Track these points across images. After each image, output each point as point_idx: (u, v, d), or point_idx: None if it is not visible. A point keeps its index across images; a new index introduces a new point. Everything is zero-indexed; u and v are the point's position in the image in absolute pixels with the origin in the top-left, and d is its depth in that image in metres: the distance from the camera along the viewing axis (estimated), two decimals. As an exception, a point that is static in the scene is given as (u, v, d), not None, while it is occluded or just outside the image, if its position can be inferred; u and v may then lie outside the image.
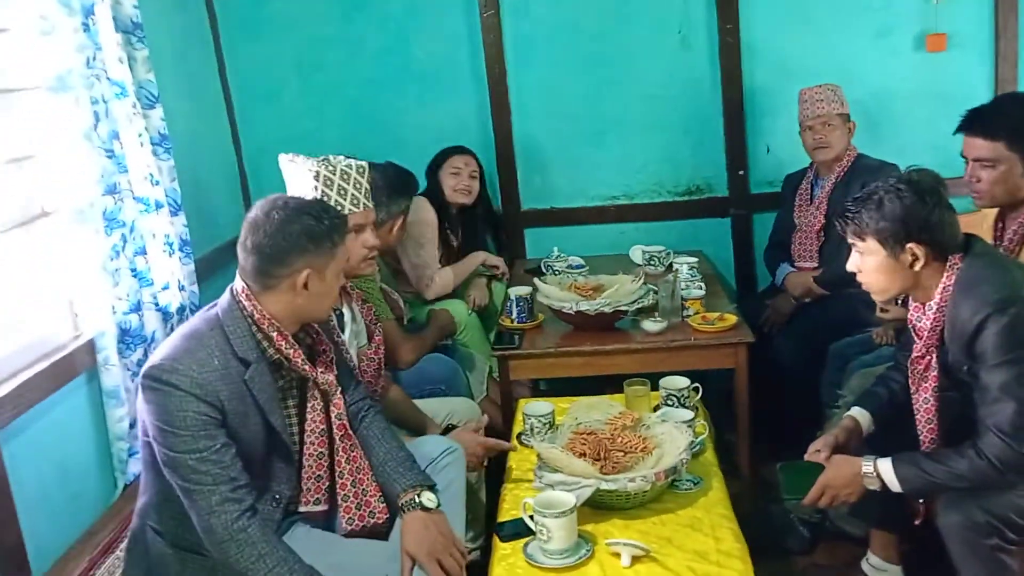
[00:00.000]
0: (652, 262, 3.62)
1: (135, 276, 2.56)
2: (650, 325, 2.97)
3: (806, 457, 2.33)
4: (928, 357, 2.20)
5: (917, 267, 2.12)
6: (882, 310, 2.83)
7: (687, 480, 2.32)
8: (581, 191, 4.07)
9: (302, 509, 2.07)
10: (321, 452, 2.06)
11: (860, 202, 2.16)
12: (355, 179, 2.32)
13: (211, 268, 3.22)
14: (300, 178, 2.32)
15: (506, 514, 2.28)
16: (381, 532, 2.11)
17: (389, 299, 2.87)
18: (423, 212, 3.44)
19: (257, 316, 1.95)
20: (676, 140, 3.99)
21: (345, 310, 2.48)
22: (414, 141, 3.75)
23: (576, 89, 3.95)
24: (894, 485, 2.13)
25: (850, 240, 2.21)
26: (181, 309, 2.74)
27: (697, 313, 3.06)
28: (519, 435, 2.64)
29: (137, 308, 2.54)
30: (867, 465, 2.16)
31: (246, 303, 1.96)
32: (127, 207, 2.56)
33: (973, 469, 2.04)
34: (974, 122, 2.51)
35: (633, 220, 4.06)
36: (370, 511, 2.09)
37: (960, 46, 3.77)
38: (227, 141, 3.91)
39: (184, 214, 2.82)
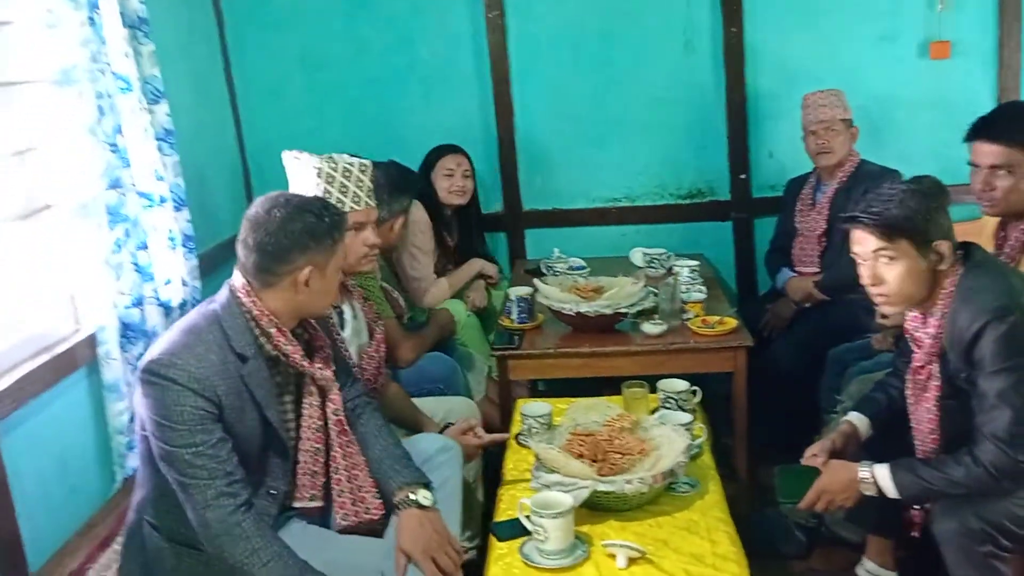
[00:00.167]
0: (653, 265, 3.62)
1: (137, 271, 2.56)
2: (650, 327, 2.97)
3: (803, 461, 2.34)
4: (930, 366, 2.19)
5: (944, 266, 2.10)
6: (882, 316, 2.83)
7: (684, 483, 2.32)
8: (583, 192, 4.08)
9: (297, 505, 2.07)
10: (317, 448, 2.07)
11: (881, 202, 2.10)
12: (357, 177, 2.33)
13: (213, 264, 3.23)
14: (303, 175, 2.32)
15: (503, 514, 2.28)
16: (376, 529, 2.11)
17: (390, 297, 2.87)
18: (417, 218, 3.42)
19: (256, 312, 1.96)
20: (678, 143, 4.00)
21: (346, 307, 2.49)
22: (417, 140, 3.74)
23: (579, 90, 3.96)
24: (890, 491, 2.14)
25: (874, 246, 2.11)
26: (183, 304, 2.74)
27: (697, 316, 3.06)
28: (517, 435, 2.65)
29: (139, 303, 2.54)
30: (864, 471, 2.17)
31: (245, 299, 1.96)
32: (130, 201, 2.56)
33: (969, 476, 2.04)
34: (987, 128, 2.47)
35: (634, 222, 4.07)
36: (365, 507, 2.10)
37: (963, 54, 3.77)
38: (231, 137, 3.92)
39: (187, 209, 2.83)
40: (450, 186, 3.59)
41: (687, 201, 4.06)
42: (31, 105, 2.36)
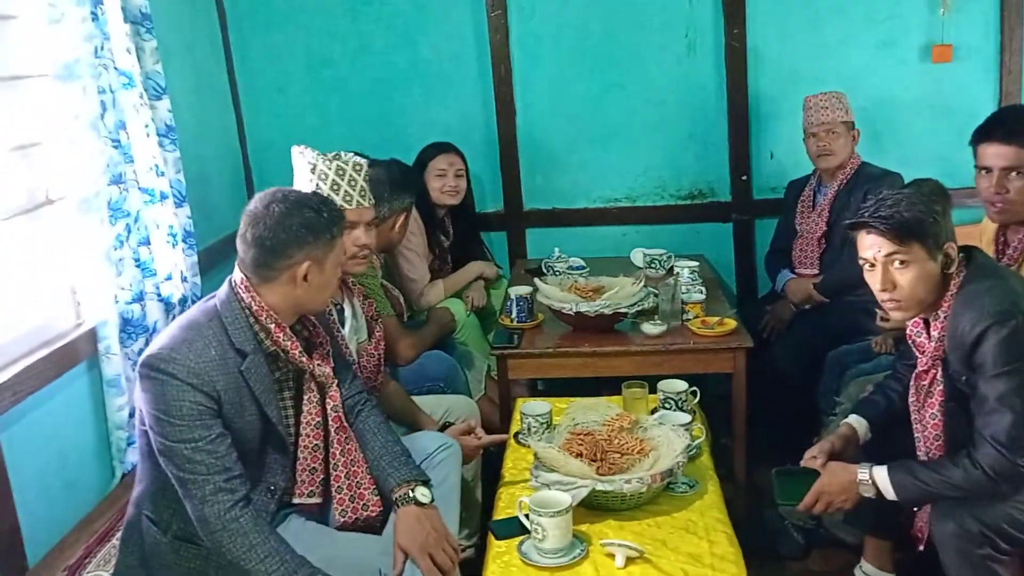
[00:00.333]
0: (653, 265, 3.62)
1: (138, 266, 2.57)
2: (649, 328, 2.98)
3: (802, 463, 2.33)
4: (933, 371, 2.18)
5: (952, 269, 2.09)
6: (882, 319, 2.83)
7: (683, 483, 2.32)
8: (583, 192, 4.08)
9: (296, 501, 2.08)
10: (316, 444, 2.07)
11: (889, 206, 2.07)
12: (350, 176, 2.32)
13: (213, 260, 3.23)
14: (301, 170, 2.33)
15: (501, 512, 2.28)
16: (375, 526, 2.12)
17: (390, 295, 2.87)
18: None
19: (255, 308, 1.96)
20: (680, 144, 4.00)
21: (346, 305, 2.49)
22: (419, 138, 3.74)
23: (581, 90, 3.96)
24: (889, 493, 2.14)
25: (887, 250, 2.07)
26: (183, 300, 2.75)
27: (697, 317, 3.06)
28: (516, 434, 2.65)
29: (139, 298, 2.54)
30: (863, 473, 2.17)
31: (244, 295, 1.96)
32: (132, 197, 2.57)
33: (968, 479, 2.04)
34: (997, 129, 2.43)
35: (635, 223, 4.07)
36: (363, 504, 2.10)
37: (965, 58, 3.77)
38: (232, 134, 3.92)
39: (188, 206, 2.83)
40: (442, 186, 3.59)
41: (688, 202, 4.06)
42: (34, 100, 2.36)
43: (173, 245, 2.72)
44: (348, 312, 2.49)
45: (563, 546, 2.04)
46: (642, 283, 3.10)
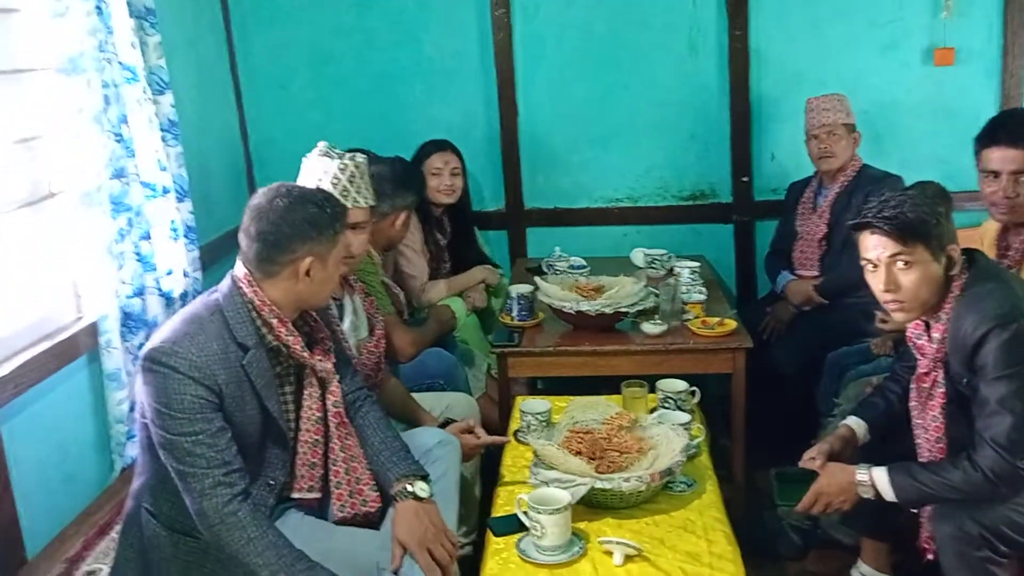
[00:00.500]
0: (654, 265, 3.62)
1: (139, 260, 2.57)
2: (650, 327, 2.98)
3: (801, 464, 2.34)
4: (935, 373, 2.18)
5: (954, 271, 2.10)
6: (882, 320, 2.84)
7: (681, 482, 2.33)
8: (585, 192, 4.08)
9: (295, 495, 2.08)
10: (316, 439, 2.07)
11: (892, 207, 2.07)
12: (336, 180, 2.31)
13: (215, 255, 3.24)
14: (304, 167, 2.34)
15: (500, 509, 2.29)
16: (373, 521, 2.12)
17: (391, 292, 2.88)
18: None
19: (257, 303, 1.96)
20: (681, 145, 4.00)
21: (346, 301, 2.50)
22: (421, 136, 3.74)
23: (584, 90, 3.96)
24: (888, 494, 2.14)
25: (892, 251, 2.07)
26: (184, 295, 2.75)
27: (697, 317, 3.07)
28: (516, 432, 2.65)
29: (140, 292, 2.55)
30: (862, 474, 2.17)
31: (247, 289, 1.97)
32: (134, 191, 2.57)
33: (967, 481, 2.04)
34: (1007, 132, 2.42)
35: (636, 223, 4.07)
36: (362, 499, 2.10)
37: (967, 61, 3.78)
38: (235, 130, 3.92)
39: (190, 200, 2.83)
40: (438, 185, 3.59)
41: (689, 203, 4.06)
42: (37, 93, 2.36)
43: (174, 240, 2.72)
44: (348, 308, 2.50)
45: (562, 543, 2.04)
46: (643, 283, 3.10)
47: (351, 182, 2.33)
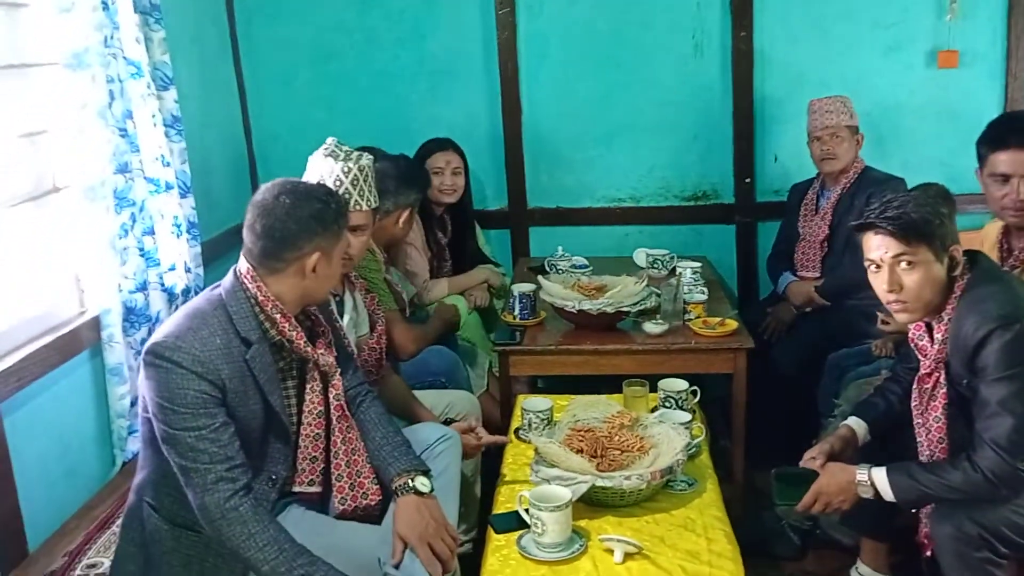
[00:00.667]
0: (656, 265, 3.62)
1: (142, 255, 2.57)
2: (651, 327, 2.98)
3: (801, 463, 2.34)
4: (937, 374, 2.18)
5: (956, 272, 2.10)
6: (884, 322, 2.84)
7: (682, 481, 2.33)
8: (588, 192, 4.09)
9: (296, 490, 2.08)
10: (318, 434, 2.08)
11: (896, 207, 2.07)
12: (339, 182, 2.31)
13: (217, 251, 3.24)
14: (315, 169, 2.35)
15: (501, 507, 2.29)
16: (374, 515, 2.12)
17: (393, 290, 2.88)
18: None
19: (261, 298, 1.97)
20: (684, 145, 4.01)
21: (347, 297, 2.50)
22: (424, 134, 3.74)
23: (587, 90, 3.97)
24: (888, 495, 2.14)
25: (895, 251, 2.07)
26: (186, 291, 2.76)
27: (698, 317, 3.07)
28: (517, 430, 2.66)
29: (143, 287, 2.55)
30: (861, 473, 2.17)
31: (250, 285, 1.97)
32: (137, 186, 2.58)
33: (967, 482, 2.05)
34: (1013, 136, 2.40)
35: (638, 223, 4.07)
36: (363, 492, 2.10)
37: (971, 64, 3.78)
38: (238, 126, 3.92)
39: (193, 196, 2.83)
40: (440, 184, 3.59)
41: (691, 203, 4.07)
42: (43, 88, 2.37)
43: (177, 235, 2.73)
44: (348, 305, 2.50)
45: (562, 541, 2.04)
46: (644, 282, 3.11)
47: (354, 185, 2.34)
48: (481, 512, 2.66)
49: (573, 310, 2.99)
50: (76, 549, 2.11)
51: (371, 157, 2.44)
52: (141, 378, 1.92)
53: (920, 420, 2.26)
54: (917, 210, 2.06)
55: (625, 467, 2.25)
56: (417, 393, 2.73)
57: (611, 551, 2.04)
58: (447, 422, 2.62)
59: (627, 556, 2.02)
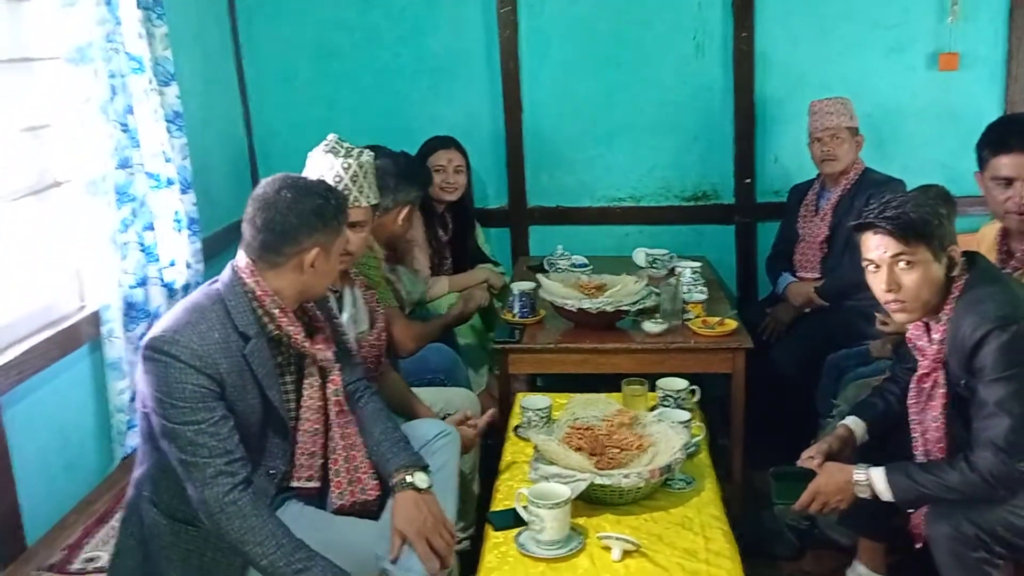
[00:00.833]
0: (655, 265, 3.63)
1: (143, 251, 2.58)
2: (650, 326, 2.98)
3: (799, 463, 2.34)
4: (935, 374, 2.18)
5: (955, 272, 2.10)
6: (882, 323, 2.84)
7: (680, 479, 2.33)
8: (588, 191, 4.09)
9: (294, 484, 2.08)
10: (316, 429, 2.08)
11: (895, 207, 2.07)
12: (338, 178, 2.31)
13: (217, 247, 3.24)
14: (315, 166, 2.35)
15: (500, 504, 2.29)
16: (372, 510, 2.12)
17: (393, 287, 2.88)
18: None
19: (259, 293, 1.97)
20: (685, 145, 4.01)
21: (346, 293, 2.50)
22: (425, 132, 3.75)
23: (588, 89, 3.97)
24: (885, 494, 2.14)
25: (893, 251, 2.08)
26: (186, 287, 2.76)
27: (698, 317, 3.07)
28: (516, 428, 2.66)
29: (143, 283, 2.56)
30: (859, 473, 2.18)
31: (248, 279, 1.97)
32: (138, 182, 2.58)
33: (965, 482, 2.05)
34: (1016, 139, 2.40)
35: (638, 223, 4.08)
36: (361, 487, 2.10)
37: (972, 66, 3.78)
38: (239, 123, 3.93)
39: (193, 192, 2.84)
40: (441, 182, 3.59)
41: (691, 203, 4.07)
42: (45, 82, 2.37)
43: (178, 231, 2.74)
44: (348, 301, 2.50)
45: (560, 538, 2.04)
46: (644, 282, 3.11)
47: (353, 181, 2.34)
48: (479, 509, 2.66)
49: (573, 309, 2.99)
50: (75, 543, 2.11)
51: (371, 153, 2.44)
52: (139, 372, 1.92)
53: (917, 420, 2.26)
54: (916, 210, 2.07)
55: (624, 465, 2.25)
56: (416, 391, 2.73)
57: (609, 549, 2.04)
58: (445, 419, 2.62)
59: (625, 554, 2.03)
